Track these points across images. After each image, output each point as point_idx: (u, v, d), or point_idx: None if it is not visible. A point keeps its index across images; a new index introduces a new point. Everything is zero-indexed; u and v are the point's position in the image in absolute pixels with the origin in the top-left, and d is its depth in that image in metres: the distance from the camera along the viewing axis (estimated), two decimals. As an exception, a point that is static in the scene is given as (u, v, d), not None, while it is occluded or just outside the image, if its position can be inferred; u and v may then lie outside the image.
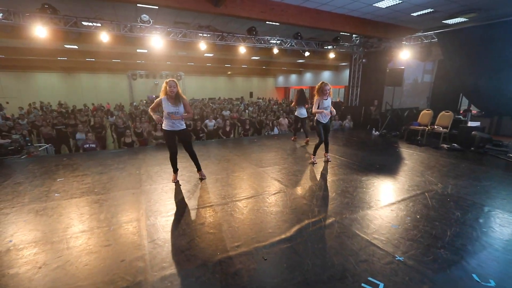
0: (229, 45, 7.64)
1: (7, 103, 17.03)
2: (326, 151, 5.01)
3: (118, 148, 6.93)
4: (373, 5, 6.89)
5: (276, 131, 8.89)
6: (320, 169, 4.62)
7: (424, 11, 7.37)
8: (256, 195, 3.45)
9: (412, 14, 7.66)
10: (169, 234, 2.56)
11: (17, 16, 5.65)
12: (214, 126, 8.52)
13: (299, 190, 3.65)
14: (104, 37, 6.24)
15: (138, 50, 13.82)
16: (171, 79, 3.53)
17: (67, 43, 10.45)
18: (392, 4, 6.78)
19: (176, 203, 3.27)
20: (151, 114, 3.76)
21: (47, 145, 6.83)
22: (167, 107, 3.55)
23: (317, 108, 4.55)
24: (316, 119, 4.71)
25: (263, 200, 3.32)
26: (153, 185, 3.85)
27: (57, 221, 2.81)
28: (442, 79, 9.95)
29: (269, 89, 29.91)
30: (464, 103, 9.70)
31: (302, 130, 7.02)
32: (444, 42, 7.15)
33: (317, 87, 4.52)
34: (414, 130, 7.13)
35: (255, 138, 7.80)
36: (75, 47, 12.22)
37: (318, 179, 4.15)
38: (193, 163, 4.01)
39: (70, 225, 2.74)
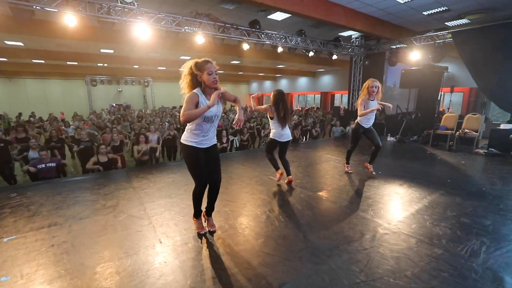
0: (230, 40, 6.33)
1: None
2: (371, 161, 4.24)
3: (83, 172, 4.79)
4: (395, -1, 6.21)
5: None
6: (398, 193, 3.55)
7: (437, 9, 6.93)
8: None
9: (423, 12, 7.20)
10: None
11: None
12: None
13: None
14: (71, 20, 4.52)
15: (102, 50, 11.72)
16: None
17: (9, 36, 8.18)
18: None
19: None
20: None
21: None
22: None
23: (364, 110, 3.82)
24: (357, 122, 3.95)
25: None
26: (178, 243, 2.39)
27: None
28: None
29: (242, 96, 28.90)
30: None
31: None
32: (462, 41, 6.75)
33: (364, 84, 3.82)
34: (440, 135, 6.53)
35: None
36: (20, 44, 9.80)
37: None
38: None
39: None
